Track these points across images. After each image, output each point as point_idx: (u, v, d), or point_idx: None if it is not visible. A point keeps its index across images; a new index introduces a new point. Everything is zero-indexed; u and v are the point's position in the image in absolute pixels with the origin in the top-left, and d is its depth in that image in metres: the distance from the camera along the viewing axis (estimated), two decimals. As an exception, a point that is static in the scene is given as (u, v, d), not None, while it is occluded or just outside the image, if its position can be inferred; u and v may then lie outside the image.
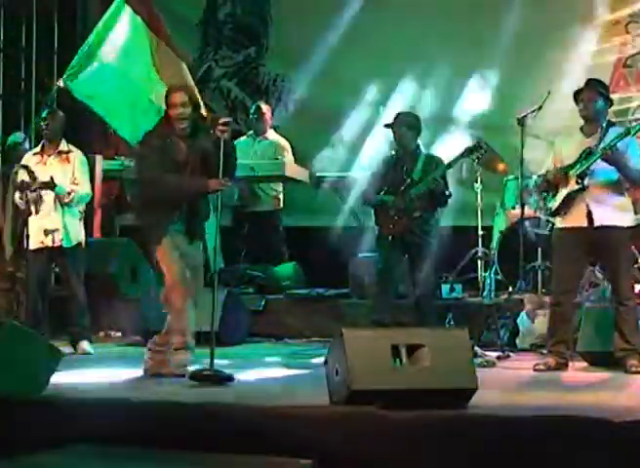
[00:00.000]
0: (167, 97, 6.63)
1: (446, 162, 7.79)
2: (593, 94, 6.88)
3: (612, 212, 6.82)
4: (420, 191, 7.56)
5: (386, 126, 7.95)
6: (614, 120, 7.35)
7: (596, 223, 6.79)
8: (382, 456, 4.37)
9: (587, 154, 6.78)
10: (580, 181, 6.79)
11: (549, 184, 7.01)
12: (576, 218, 6.86)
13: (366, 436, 4.44)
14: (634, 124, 6.95)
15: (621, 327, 6.82)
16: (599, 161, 6.73)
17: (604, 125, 6.90)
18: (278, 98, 11.26)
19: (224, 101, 11.35)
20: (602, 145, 6.73)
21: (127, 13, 8.14)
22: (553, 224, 7.29)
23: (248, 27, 11.62)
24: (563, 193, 6.88)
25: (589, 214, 6.79)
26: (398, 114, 8.01)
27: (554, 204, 6.94)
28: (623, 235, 6.89)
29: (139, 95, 7.98)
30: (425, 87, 10.20)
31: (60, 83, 8.09)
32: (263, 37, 11.50)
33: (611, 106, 7.11)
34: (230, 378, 6.21)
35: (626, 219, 6.92)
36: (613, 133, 6.84)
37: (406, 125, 7.73)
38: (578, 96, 6.93)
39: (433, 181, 7.55)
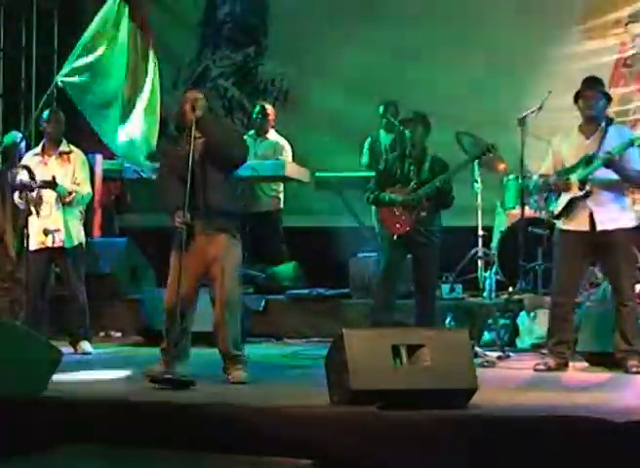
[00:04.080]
0: None
1: (453, 165, 7.79)
2: (595, 93, 6.86)
3: (613, 214, 6.82)
4: (430, 191, 7.54)
5: (401, 122, 7.92)
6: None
7: (598, 228, 6.78)
8: (382, 456, 4.36)
9: (589, 160, 6.77)
10: (582, 188, 6.79)
11: (551, 189, 7.01)
12: (578, 223, 6.85)
13: (366, 436, 4.44)
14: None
15: (623, 327, 6.81)
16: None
17: (603, 125, 6.90)
18: (276, 98, 11.25)
19: (221, 101, 11.34)
20: (603, 153, 6.72)
21: (116, 9, 8.10)
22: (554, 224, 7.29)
23: (247, 27, 11.61)
24: (566, 198, 6.88)
25: (592, 219, 6.79)
26: (415, 112, 7.98)
27: (557, 209, 6.94)
28: (625, 236, 6.88)
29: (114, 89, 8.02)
30: (426, 86, 10.21)
31: (59, 83, 8.07)
32: (263, 37, 11.49)
33: (610, 102, 7.10)
34: (191, 383, 5.95)
35: (628, 220, 6.92)
36: (612, 131, 6.85)
37: (422, 124, 7.71)
38: (578, 95, 6.91)
39: (446, 182, 7.54)
